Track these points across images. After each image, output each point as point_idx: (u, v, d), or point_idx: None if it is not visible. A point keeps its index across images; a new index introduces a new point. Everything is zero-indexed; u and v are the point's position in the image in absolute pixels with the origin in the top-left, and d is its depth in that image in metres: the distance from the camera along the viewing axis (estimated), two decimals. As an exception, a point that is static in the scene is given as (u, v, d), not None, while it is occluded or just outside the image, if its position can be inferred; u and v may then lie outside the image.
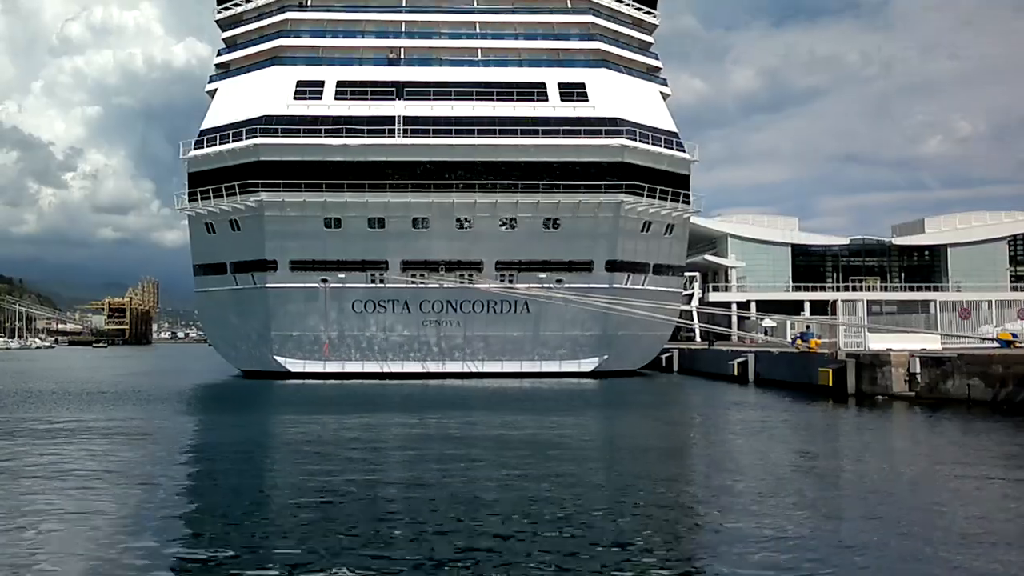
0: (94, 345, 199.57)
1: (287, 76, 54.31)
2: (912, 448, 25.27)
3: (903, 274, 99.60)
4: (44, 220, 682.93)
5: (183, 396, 43.72)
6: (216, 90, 57.77)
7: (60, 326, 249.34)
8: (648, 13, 62.87)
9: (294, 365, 53.37)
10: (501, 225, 51.70)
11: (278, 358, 53.51)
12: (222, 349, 59.52)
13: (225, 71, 59.50)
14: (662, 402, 41.98)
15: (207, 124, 55.03)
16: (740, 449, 24.73)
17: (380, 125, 51.75)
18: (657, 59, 61.84)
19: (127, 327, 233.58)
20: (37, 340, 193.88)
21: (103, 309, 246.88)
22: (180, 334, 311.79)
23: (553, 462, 21.26)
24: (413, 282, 51.73)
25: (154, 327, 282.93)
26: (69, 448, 23.57)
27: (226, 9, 61.33)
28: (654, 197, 53.09)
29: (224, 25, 61.89)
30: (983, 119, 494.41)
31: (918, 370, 35.84)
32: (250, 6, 59.86)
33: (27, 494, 16.90)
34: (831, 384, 38.57)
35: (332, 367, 52.96)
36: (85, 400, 40.13)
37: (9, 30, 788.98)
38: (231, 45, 60.65)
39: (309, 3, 57.96)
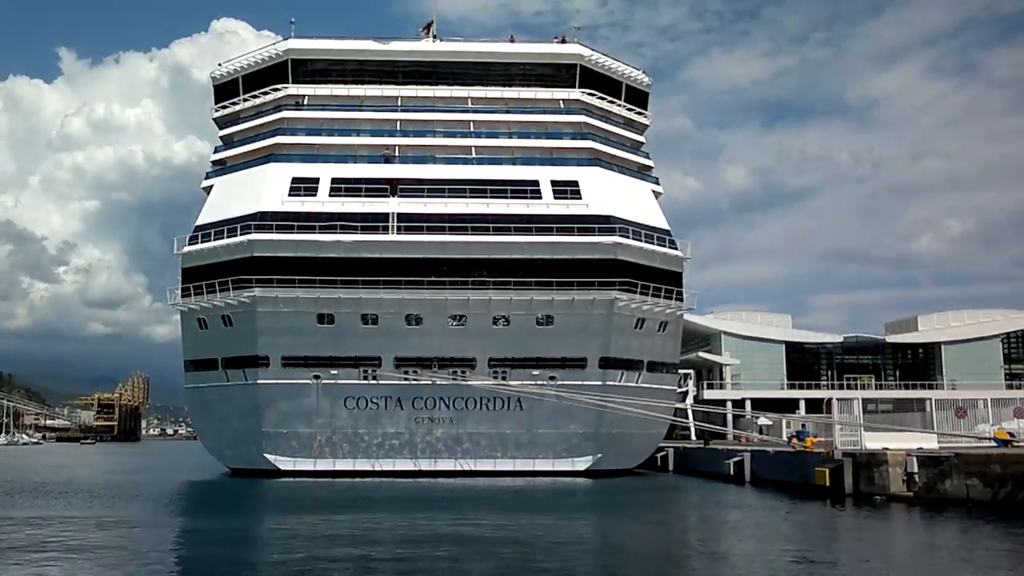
0: (82, 442, 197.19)
1: (282, 173, 54.66)
2: (912, 552, 24.75)
3: (898, 372, 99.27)
4: (35, 314, 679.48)
5: (168, 496, 42.93)
6: (212, 186, 58.18)
7: (48, 422, 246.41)
8: (639, 114, 63.91)
9: (284, 463, 52.40)
10: (494, 322, 51.51)
11: (268, 456, 52.62)
12: (211, 446, 58.51)
13: (221, 168, 60.04)
14: (658, 503, 41.21)
15: (202, 220, 55.23)
16: (738, 554, 24.18)
17: (374, 222, 51.95)
18: (649, 158, 62.61)
19: (116, 423, 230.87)
20: (25, 436, 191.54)
21: (92, 405, 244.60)
22: (169, 431, 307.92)
23: (547, 566, 20.74)
24: (406, 379, 51.29)
25: (143, 423, 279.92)
26: (44, 554, 23.00)
27: (224, 108, 62.26)
28: (647, 294, 53.09)
29: (221, 123, 62.76)
30: (973, 218, 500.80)
31: (915, 470, 35.34)
32: (247, 105, 60.74)
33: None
34: (828, 484, 38.00)
35: (323, 465, 51.98)
36: (67, 500, 39.38)
37: (10, 127, 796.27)
38: (228, 142, 61.34)
39: (306, 102, 58.81)
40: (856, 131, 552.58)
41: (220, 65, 62.87)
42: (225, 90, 62.17)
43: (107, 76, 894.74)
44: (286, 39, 60.48)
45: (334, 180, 54.02)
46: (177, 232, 67.04)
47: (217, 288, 52.18)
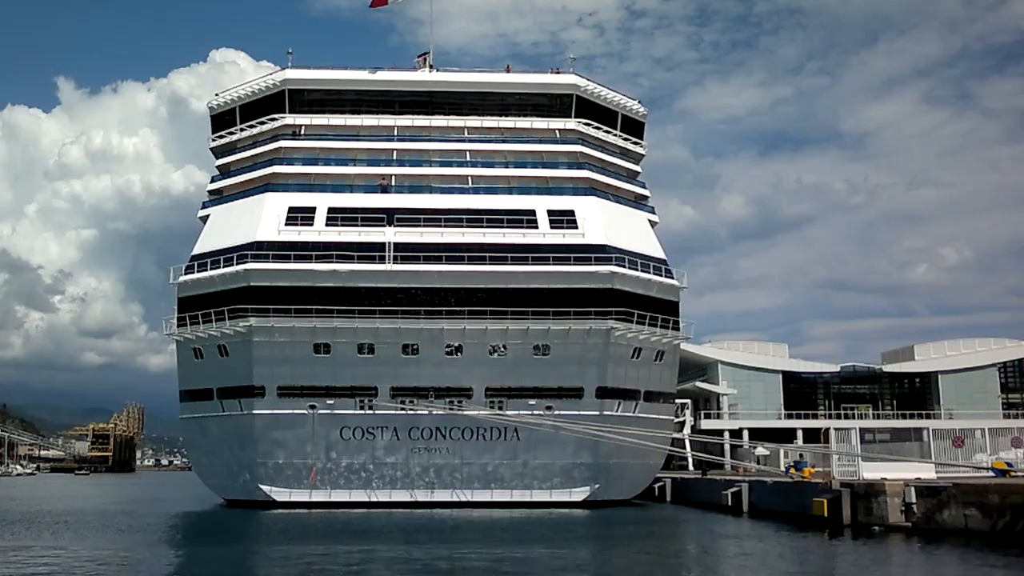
0: (76, 472, 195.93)
1: (279, 202, 54.61)
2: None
3: (895, 401, 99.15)
4: (30, 344, 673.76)
5: (160, 528, 42.59)
6: (208, 216, 58.23)
7: (43, 452, 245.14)
8: (635, 143, 64.16)
9: (280, 494, 52.06)
10: (491, 352, 51.41)
11: (263, 487, 52.29)
12: (206, 477, 58.24)
13: (218, 197, 60.05)
14: (656, 534, 40.87)
15: (198, 249, 55.24)
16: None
17: (371, 251, 51.86)
18: (645, 187, 62.81)
19: (111, 454, 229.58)
20: (18, 467, 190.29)
21: (87, 435, 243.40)
22: (164, 461, 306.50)
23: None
24: (403, 409, 51.06)
25: (138, 454, 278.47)
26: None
27: (221, 137, 62.35)
28: (644, 324, 53.00)
29: (218, 153, 62.82)
30: (969, 247, 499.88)
31: (914, 500, 35.18)
32: (244, 135, 60.82)
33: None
34: (826, 514, 37.78)
35: (319, 496, 51.67)
36: (61, 531, 39.07)
37: (8, 155, 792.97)
38: (225, 172, 61.36)
39: (303, 132, 58.93)
40: (852, 160, 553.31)
41: (217, 95, 63.10)
42: (222, 120, 62.29)
43: (105, 105, 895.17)
44: (283, 69, 60.74)
45: (330, 209, 54.03)
46: (174, 261, 66.62)
47: (213, 318, 52.05)
